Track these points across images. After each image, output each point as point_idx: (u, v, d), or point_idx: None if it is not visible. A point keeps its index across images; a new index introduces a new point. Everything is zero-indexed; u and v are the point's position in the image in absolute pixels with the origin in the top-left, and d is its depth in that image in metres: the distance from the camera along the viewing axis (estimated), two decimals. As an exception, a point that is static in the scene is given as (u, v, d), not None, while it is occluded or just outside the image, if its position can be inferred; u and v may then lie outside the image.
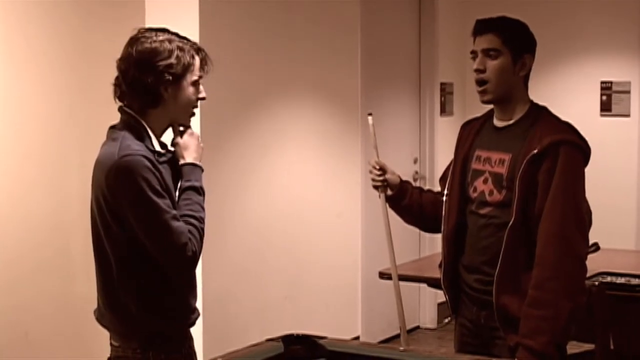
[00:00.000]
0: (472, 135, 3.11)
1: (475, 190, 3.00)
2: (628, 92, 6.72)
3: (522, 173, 2.85)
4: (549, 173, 2.83)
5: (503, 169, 2.93)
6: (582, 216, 2.88)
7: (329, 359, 2.87)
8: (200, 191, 2.66)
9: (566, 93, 6.84)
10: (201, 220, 2.61)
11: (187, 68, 2.59)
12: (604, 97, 6.80)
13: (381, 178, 3.38)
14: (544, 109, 3.03)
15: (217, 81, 4.81)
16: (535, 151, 2.84)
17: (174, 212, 2.54)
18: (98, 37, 4.40)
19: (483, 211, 2.98)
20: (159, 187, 2.51)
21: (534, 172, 2.84)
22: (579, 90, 6.88)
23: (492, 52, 2.95)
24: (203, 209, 2.65)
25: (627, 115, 6.73)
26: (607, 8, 6.82)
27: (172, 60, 2.55)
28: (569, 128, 2.94)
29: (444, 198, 3.14)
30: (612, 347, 4.14)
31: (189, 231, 2.54)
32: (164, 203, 2.51)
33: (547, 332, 2.77)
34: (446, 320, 6.69)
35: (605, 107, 6.79)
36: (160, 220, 2.50)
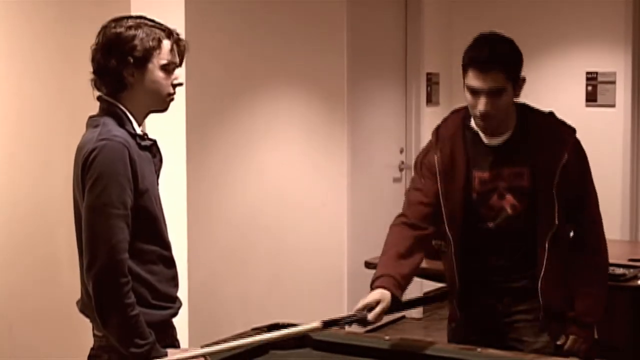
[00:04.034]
0: (462, 156, 3.00)
1: (491, 208, 2.98)
2: (613, 82, 6.74)
3: (558, 182, 2.91)
4: (577, 168, 2.98)
5: (523, 181, 2.95)
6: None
7: (314, 349, 2.87)
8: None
9: (552, 84, 6.85)
10: (127, 314, 2.46)
11: (151, 51, 2.56)
12: (590, 88, 6.82)
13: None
14: (527, 109, 3.03)
15: (204, 75, 4.83)
16: (566, 158, 2.92)
17: (125, 212, 2.47)
18: (83, 30, 4.37)
19: (503, 223, 3.00)
20: (123, 180, 2.47)
21: (565, 176, 2.93)
22: (564, 80, 6.90)
23: (498, 91, 2.85)
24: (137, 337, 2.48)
25: (613, 106, 6.75)
26: (592, -2, 6.85)
27: (134, 42, 2.54)
28: (561, 121, 3.03)
29: (446, 228, 3.03)
30: (596, 336, 4.16)
31: (120, 262, 2.45)
32: (118, 197, 2.46)
33: (601, 309, 3.05)
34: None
35: (591, 98, 6.81)
36: (105, 211, 2.44)
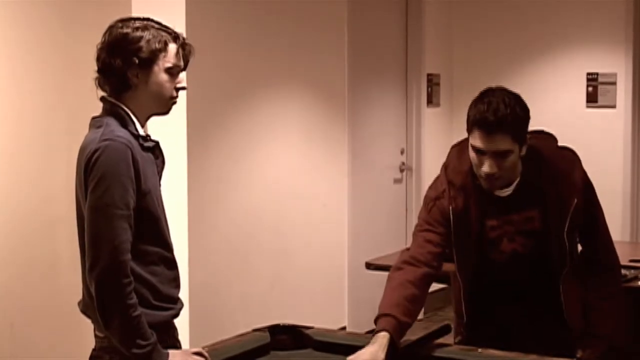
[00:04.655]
0: (474, 208, 2.95)
1: (502, 252, 2.96)
2: (614, 83, 6.74)
3: (569, 224, 2.88)
4: (587, 207, 2.94)
5: (534, 224, 2.92)
6: None
7: (315, 349, 2.87)
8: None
9: (553, 85, 6.84)
10: (129, 315, 2.47)
11: (157, 53, 2.56)
12: (590, 89, 6.81)
13: None
14: (529, 151, 2.90)
15: (205, 76, 4.83)
16: (575, 202, 2.87)
17: (128, 213, 2.48)
18: (84, 31, 4.38)
19: (514, 263, 2.98)
20: (126, 181, 2.47)
21: (576, 218, 2.90)
22: (565, 81, 6.89)
23: (504, 154, 2.76)
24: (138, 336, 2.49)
25: (613, 107, 6.75)
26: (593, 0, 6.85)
27: (141, 44, 2.55)
28: (561, 150, 2.96)
29: (457, 275, 3.04)
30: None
31: (122, 263, 2.46)
32: (121, 198, 2.45)
33: (615, 322, 3.03)
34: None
35: (591, 99, 6.80)
36: (108, 212, 2.44)
